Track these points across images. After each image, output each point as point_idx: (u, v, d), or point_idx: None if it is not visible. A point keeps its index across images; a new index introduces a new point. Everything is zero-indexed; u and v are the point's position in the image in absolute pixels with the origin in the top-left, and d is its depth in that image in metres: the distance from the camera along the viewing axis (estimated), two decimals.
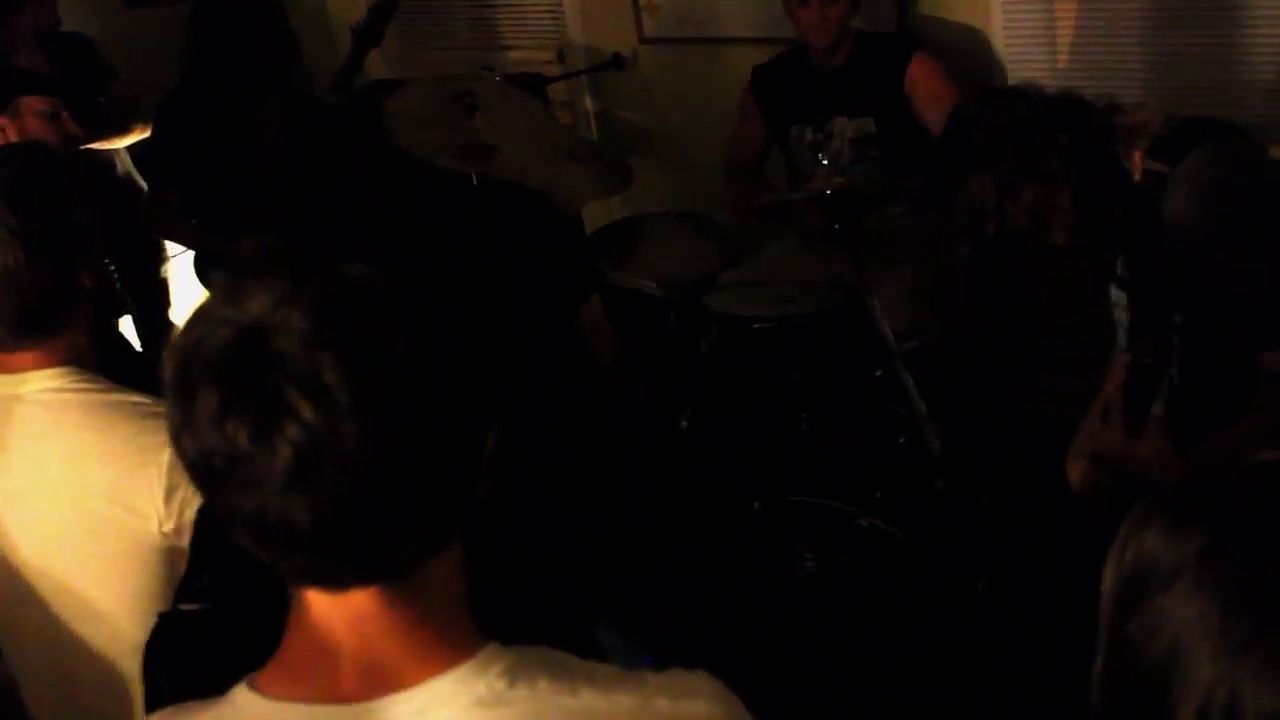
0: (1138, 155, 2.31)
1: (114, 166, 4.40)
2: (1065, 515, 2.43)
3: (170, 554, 2.02)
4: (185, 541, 1.99)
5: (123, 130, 4.33)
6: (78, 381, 2.05)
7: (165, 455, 1.96)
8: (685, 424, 3.19)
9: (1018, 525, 2.79)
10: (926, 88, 3.85)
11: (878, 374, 3.17)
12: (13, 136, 3.33)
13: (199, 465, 1.02)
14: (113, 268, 2.14)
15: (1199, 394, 2.30)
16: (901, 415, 3.00)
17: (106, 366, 2.15)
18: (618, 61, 4.89)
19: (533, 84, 4.64)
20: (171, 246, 4.57)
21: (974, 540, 2.80)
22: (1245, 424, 2.24)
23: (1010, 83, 4.08)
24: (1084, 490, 2.40)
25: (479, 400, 1.08)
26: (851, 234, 3.35)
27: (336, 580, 1.07)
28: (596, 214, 4.68)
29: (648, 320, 3.38)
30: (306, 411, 0.97)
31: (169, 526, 2.00)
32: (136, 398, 2.06)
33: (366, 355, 0.98)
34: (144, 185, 4.56)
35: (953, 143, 2.38)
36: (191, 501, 1.97)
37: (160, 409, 1.97)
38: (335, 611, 1.09)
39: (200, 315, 1.03)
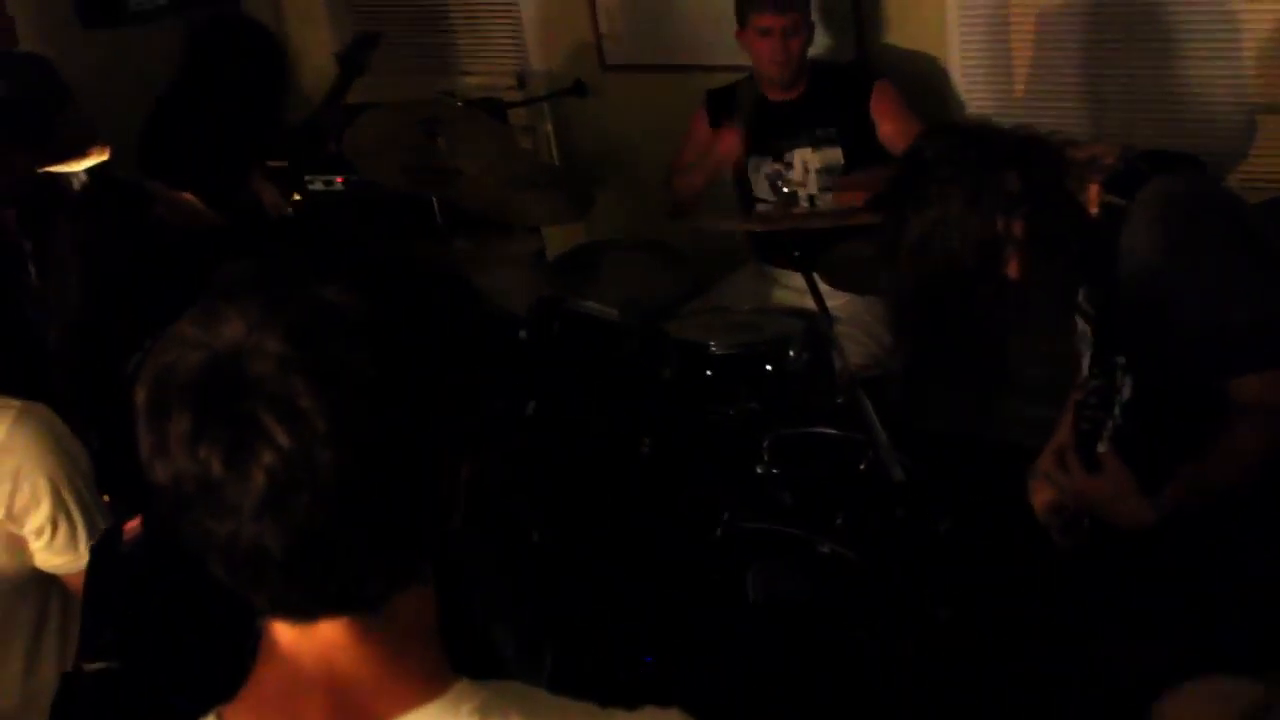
0: (1093, 189, 2.33)
1: (72, 189, 4.37)
2: (1027, 544, 2.45)
3: (9, 541, 2.13)
4: (23, 529, 2.12)
5: (80, 154, 4.30)
6: None
7: None
8: (645, 450, 3.18)
9: (980, 554, 2.80)
10: (890, 116, 3.87)
11: (838, 401, 3.18)
12: None
13: (171, 490, 1.01)
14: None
15: (1166, 426, 2.32)
16: (863, 442, 3.00)
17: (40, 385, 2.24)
18: (579, 88, 4.89)
19: (493, 109, 4.65)
20: None
21: (936, 569, 2.80)
22: (1216, 454, 2.27)
23: (967, 113, 4.12)
24: (1046, 514, 2.41)
25: (456, 430, 1.08)
26: (812, 261, 3.37)
27: (306, 611, 1.06)
28: (557, 240, 4.69)
29: (608, 347, 3.38)
30: (281, 437, 0.96)
31: (0, 514, 2.11)
32: None
33: (343, 380, 0.98)
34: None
35: (902, 179, 2.40)
36: (21, 490, 2.11)
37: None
38: (304, 643, 1.08)
39: (173, 339, 1.02)
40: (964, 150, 2.30)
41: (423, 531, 1.07)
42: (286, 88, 4.38)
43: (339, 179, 4.07)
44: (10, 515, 2.10)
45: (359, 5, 5.56)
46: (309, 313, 1.00)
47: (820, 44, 4.20)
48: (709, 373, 3.34)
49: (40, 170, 3.95)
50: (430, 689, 1.09)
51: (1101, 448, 2.22)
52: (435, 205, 3.83)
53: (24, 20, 4.57)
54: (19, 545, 2.14)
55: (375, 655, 1.08)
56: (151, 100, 4.45)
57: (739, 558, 2.89)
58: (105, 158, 4.37)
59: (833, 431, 3.14)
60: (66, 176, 4.30)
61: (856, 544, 2.82)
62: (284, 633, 1.08)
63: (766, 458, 3.08)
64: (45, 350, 3.12)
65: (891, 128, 3.85)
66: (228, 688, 1.12)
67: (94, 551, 2.00)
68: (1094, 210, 2.32)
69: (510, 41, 5.20)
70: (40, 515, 2.12)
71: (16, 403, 2.14)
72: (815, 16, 3.98)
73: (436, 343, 1.07)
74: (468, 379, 1.09)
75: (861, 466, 3.00)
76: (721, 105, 4.13)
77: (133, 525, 1.96)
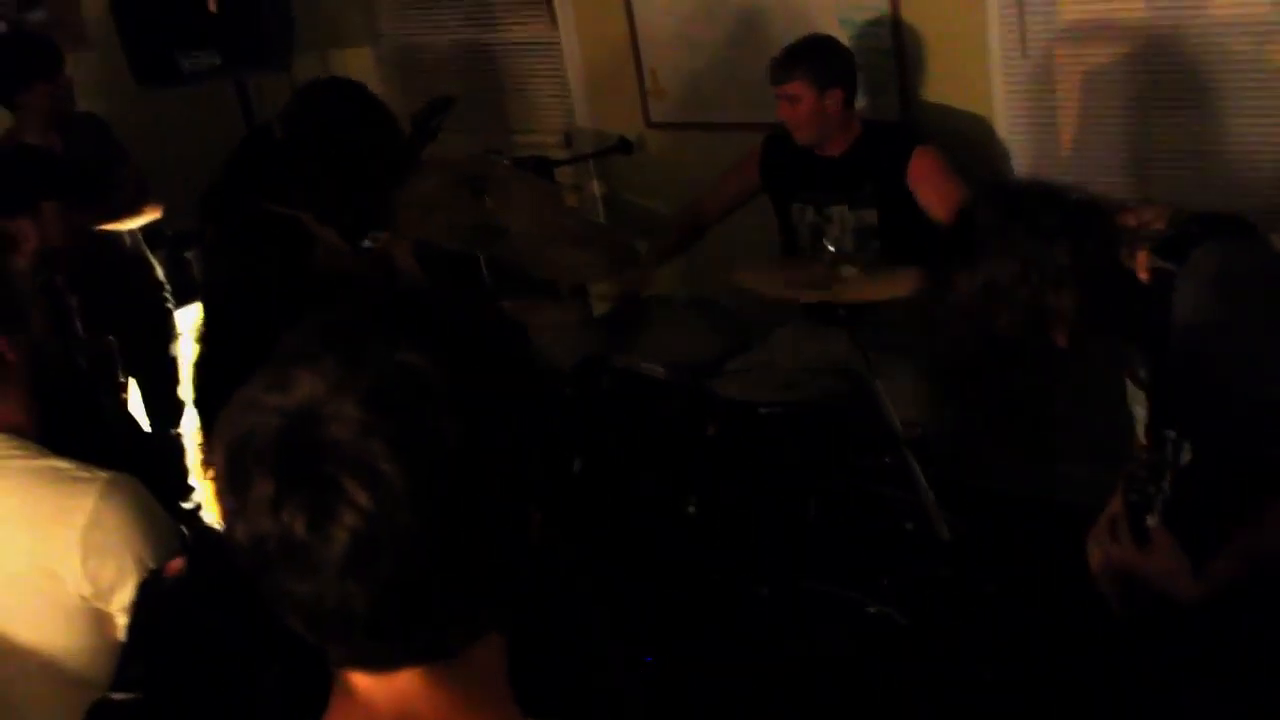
0: (1142, 255, 2.32)
1: (124, 245, 4.44)
2: (1074, 604, 2.43)
3: (95, 618, 2.06)
4: (110, 606, 2.04)
5: (133, 212, 4.37)
6: (8, 449, 2.11)
7: (82, 519, 2.02)
8: (692, 510, 3.19)
9: (1026, 614, 2.78)
10: (929, 183, 3.87)
11: (885, 460, 3.18)
12: (33, 240, 3.33)
13: (252, 550, 1.02)
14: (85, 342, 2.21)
15: (1220, 496, 2.30)
16: (909, 501, 3.00)
17: (91, 440, 2.20)
18: (624, 145, 4.94)
19: (540, 167, 4.69)
20: (180, 322, 4.60)
21: (981, 629, 2.79)
22: (1266, 525, 2.25)
23: (1013, 170, 4.12)
24: (1106, 580, 2.39)
25: (526, 484, 1.09)
26: (857, 319, 3.37)
27: (386, 662, 1.08)
28: (604, 297, 4.71)
29: (654, 405, 3.40)
30: (363, 499, 0.97)
31: (86, 591, 2.04)
32: (63, 464, 2.10)
33: (420, 442, 0.99)
34: (154, 263, 4.60)
35: (953, 241, 2.40)
36: (108, 565, 2.03)
37: (83, 474, 2.07)
38: (381, 691, 1.09)
39: (247, 403, 1.03)
40: (1015, 219, 2.30)
41: (500, 583, 1.08)
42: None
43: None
44: (98, 592, 2.04)
45: (409, 66, 5.64)
46: (384, 374, 1.01)
47: (864, 103, 4.22)
48: (755, 431, 3.34)
49: (96, 229, 4.02)
50: None
51: (1151, 521, 2.20)
52: (482, 263, 3.86)
53: (82, 80, 4.64)
54: (106, 622, 2.08)
55: (452, 702, 1.09)
56: (209, 155, 4.44)
57: (786, 617, 2.89)
58: (158, 215, 4.45)
59: (879, 490, 3.14)
60: (119, 234, 4.38)
61: (903, 604, 2.81)
62: (360, 680, 1.10)
63: (813, 517, 3.07)
64: (97, 406, 3.14)
65: (931, 195, 3.85)
66: None
67: (140, 589, 1.98)
68: (1144, 275, 2.31)
69: (557, 100, 5.26)
70: (126, 593, 2.03)
71: (104, 474, 2.09)
72: (859, 77, 4.00)
73: (509, 401, 1.08)
74: (538, 432, 1.11)
75: (908, 526, 3.00)
76: (776, 153, 4.16)
77: (176, 565, 1.95)
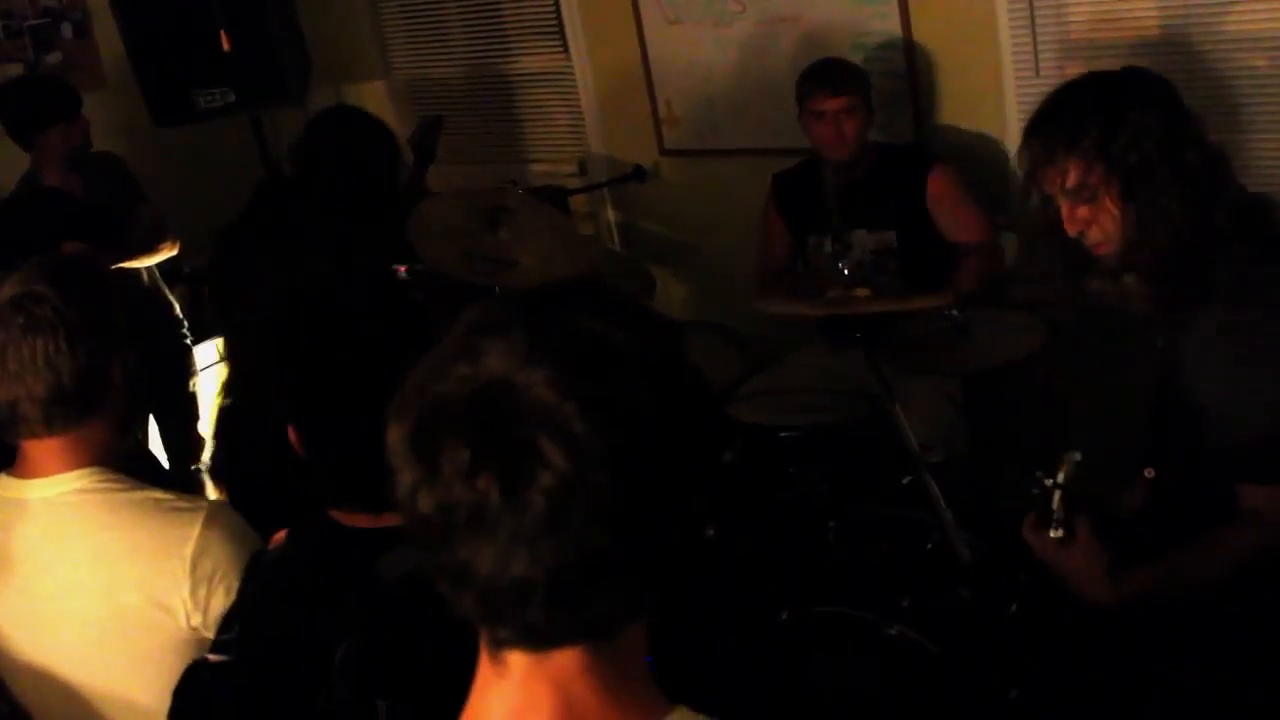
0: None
1: (142, 282, 4.46)
2: (1096, 623, 2.41)
3: (200, 646, 2.05)
4: (213, 634, 2.02)
5: (149, 251, 4.39)
6: (101, 481, 2.12)
7: (189, 549, 2.05)
8: (711, 534, 3.17)
9: (1049, 634, 2.75)
10: (947, 202, 3.88)
11: (905, 482, 3.16)
12: None
13: (436, 520, 1.02)
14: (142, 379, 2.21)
15: (1190, 509, 2.32)
16: (929, 523, 2.98)
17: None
18: (639, 173, 4.95)
19: (555, 196, 4.71)
20: (200, 359, 4.61)
21: (1005, 650, 2.76)
22: (1200, 548, 2.26)
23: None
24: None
25: (703, 455, 1.10)
26: (874, 342, 3.36)
27: (552, 639, 1.08)
28: None
29: None
30: (559, 459, 0.98)
31: (196, 620, 2.06)
32: (159, 494, 2.13)
33: (614, 405, 1.01)
34: (172, 300, 4.62)
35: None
36: (217, 592, 2.04)
37: (183, 504, 2.10)
38: (538, 670, 1.10)
39: (432, 374, 1.04)
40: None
41: (672, 561, 1.09)
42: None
43: (401, 268, 4.11)
44: (206, 621, 2.05)
45: (422, 98, 5.67)
46: (576, 343, 1.03)
47: (878, 124, 4.23)
48: (774, 455, 3.33)
49: (113, 267, 4.04)
50: (654, 714, 1.12)
51: (1055, 533, 2.25)
52: (498, 294, 3.87)
53: (100, 121, 4.68)
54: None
55: (606, 683, 1.10)
56: (226, 192, 4.46)
57: (806, 641, 2.87)
58: (175, 252, 4.47)
59: (899, 513, 3.12)
60: (137, 271, 4.40)
61: (924, 626, 2.78)
62: (518, 660, 1.10)
63: (832, 540, 3.06)
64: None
65: (948, 215, 3.86)
66: None
67: (184, 674, 1.97)
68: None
69: (571, 129, 5.28)
70: None
71: (205, 502, 2.13)
72: (873, 100, 4.01)
73: (687, 377, 1.10)
74: (708, 415, 1.13)
75: (928, 547, 2.98)
76: (788, 188, 4.16)
77: (279, 537, 1.95)
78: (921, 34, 4.21)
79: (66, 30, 5.58)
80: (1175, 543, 2.27)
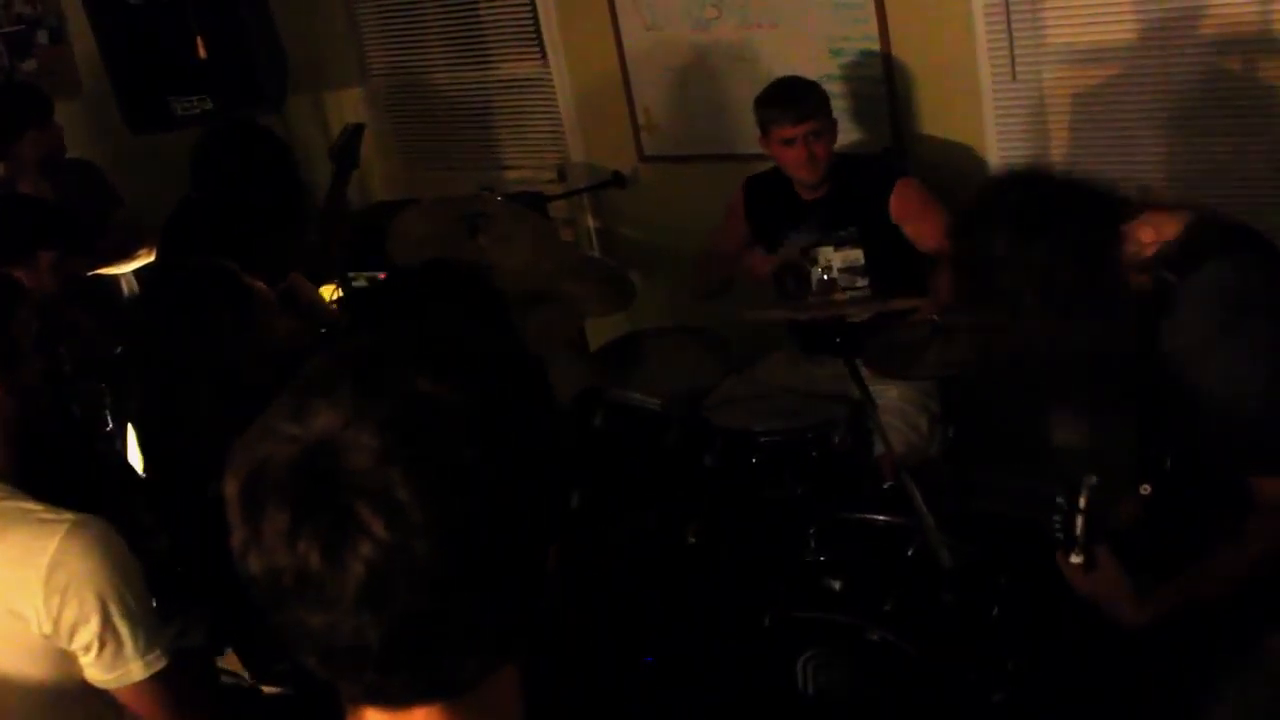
0: (1148, 247, 2.30)
1: (119, 289, 4.44)
2: (1079, 625, 2.42)
3: (59, 657, 2.10)
4: (71, 645, 2.09)
5: (126, 256, 4.37)
6: None
7: (45, 559, 2.06)
8: (692, 539, 3.17)
9: (1031, 637, 2.76)
10: (915, 214, 3.84)
11: (885, 487, 3.16)
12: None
13: (265, 583, 1.01)
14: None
15: (1187, 520, 2.32)
16: (910, 527, 2.98)
17: (81, 485, 2.23)
18: (618, 179, 4.95)
19: (534, 202, 4.70)
20: None
21: (987, 653, 2.77)
22: (1211, 564, 2.26)
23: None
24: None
25: (543, 516, 1.08)
26: (853, 346, 3.36)
27: (400, 698, 1.06)
28: (599, 330, 4.71)
29: (652, 436, 3.38)
30: (379, 529, 0.96)
31: (47, 629, 2.08)
32: (31, 505, 2.14)
33: (437, 472, 0.98)
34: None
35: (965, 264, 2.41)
36: (70, 604, 2.07)
37: (52, 515, 2.10)
38: None
39: (262, 433, 1.02)
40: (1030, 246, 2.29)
41: (515, 615, 1.07)
42: (298, 198, 4.34)
43: (382, 275, 4.10)
44: (57, 631, 2.07)
45: (401, 104, 5.66)
46: (403, 405, 1.00)
47: (856, 134, 4.22)
48: (754, 460, 3.33)
49: (90, 273, 4.02)
50: None
51: (1075, 559, 2.27)
52: (334, 348, 3.83)
53: (75, 127, 4.66)
54: (67, 659, 2.11)
55: None
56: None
57: (788, 646, 2.87)
58: (151, 259, 4.45)
59: (879, 517, 3.12)
60: (115, 278, 4.38)
61: (906, 630, 2.79)
62: (374, 717, 1.08)
63: (814, 544, 3.06)
64: (90, 452, 3.13)
65: (915, 227, 3.83)
66: None
67: None
68: (1145, 280, 2.29)
69: (550, 136, 5.27)
70: (88, 632, 2.08)
71: (70, 515, 2.11)
72: (850, 107, 3.99)
73: (526, 431, 1.07)
74: (553, 464, 1.10)
75: (909, 552, 2.98)
76: (759, 193, 4.14)
77: None
78: (898, 39, 4.21)
79: (42, 37, 5.57)
80: (1170, 553, 2.27)
